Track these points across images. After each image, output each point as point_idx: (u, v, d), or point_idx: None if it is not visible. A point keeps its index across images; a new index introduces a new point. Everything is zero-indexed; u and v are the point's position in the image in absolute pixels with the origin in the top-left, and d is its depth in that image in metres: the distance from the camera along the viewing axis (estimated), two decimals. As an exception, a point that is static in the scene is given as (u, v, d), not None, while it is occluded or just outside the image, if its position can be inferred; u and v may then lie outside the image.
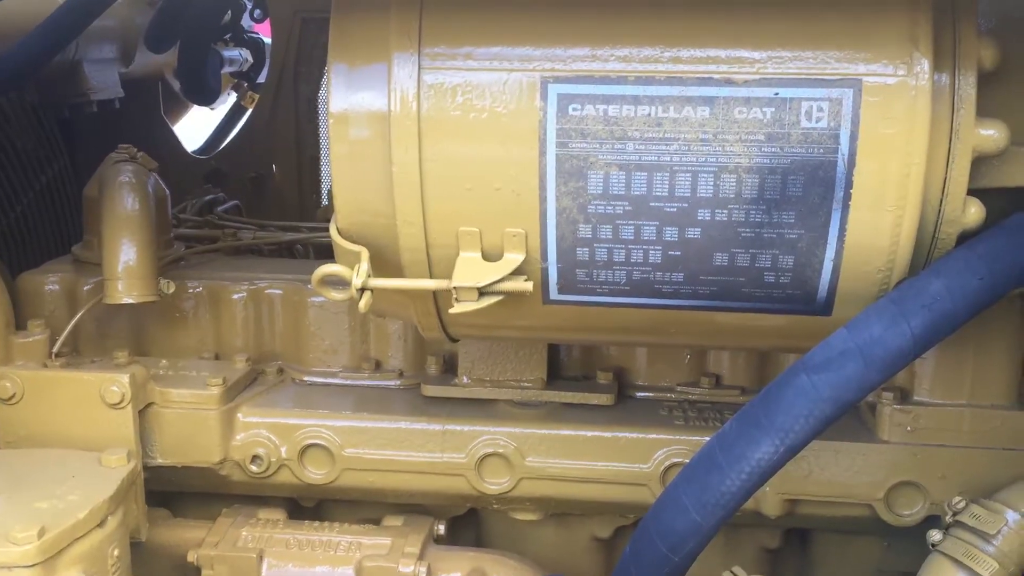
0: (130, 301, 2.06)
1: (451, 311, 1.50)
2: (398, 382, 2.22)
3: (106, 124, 3.43)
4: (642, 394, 2.14)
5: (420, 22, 1.46)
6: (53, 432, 2.00)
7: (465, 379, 2.13)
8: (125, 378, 1.96)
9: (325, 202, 3.74)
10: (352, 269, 1.51)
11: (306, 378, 2.25)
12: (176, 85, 3.80)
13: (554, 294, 1.60)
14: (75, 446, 1.96)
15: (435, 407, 2.11)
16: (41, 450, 1.96)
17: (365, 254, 1.50)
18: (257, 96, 4.01)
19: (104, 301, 2.08)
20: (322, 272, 1.53)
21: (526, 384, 2.10)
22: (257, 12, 3.72)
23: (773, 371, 2.11)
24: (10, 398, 1.99)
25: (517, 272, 1.53)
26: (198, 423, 2.05)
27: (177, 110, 3.92)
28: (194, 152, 3.83)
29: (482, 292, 1.50)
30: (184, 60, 3.36)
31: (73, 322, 2.18)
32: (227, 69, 3.79)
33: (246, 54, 3.96)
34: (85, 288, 2.31)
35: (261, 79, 3.90)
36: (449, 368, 2.19)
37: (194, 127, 4.13)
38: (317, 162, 3.75)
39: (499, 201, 1.51)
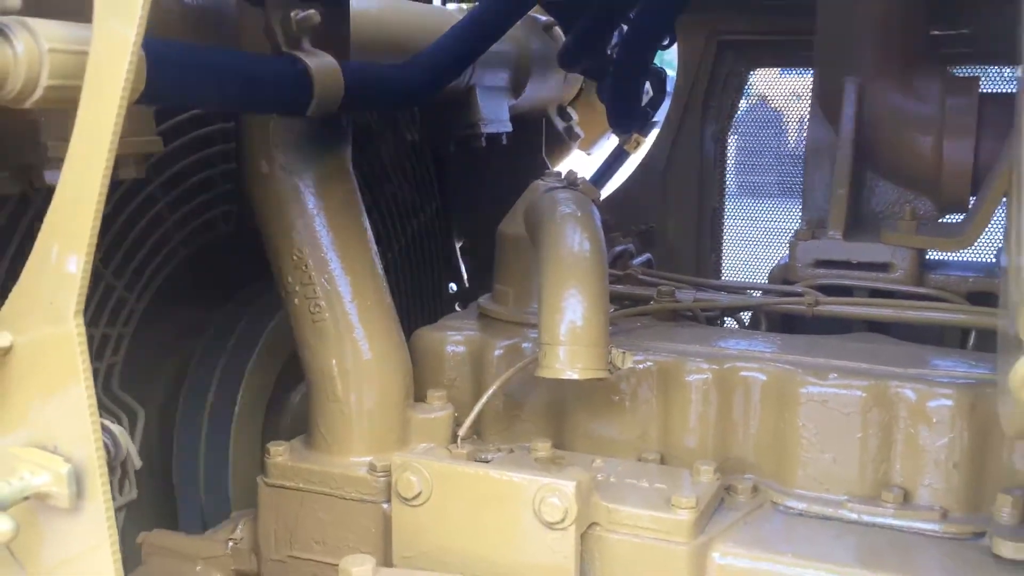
0: (574, 376, 1.49)
1: None
2: (938, 526, 1.49)
3: (479, 163, 2.99)
4: None
5: None
6: (461, 549, 1.46)
7: (1074, 539, 1.35)
8: (570, 488, 1.38)
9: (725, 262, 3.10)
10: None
11: (792, 503, 1.57)
12: (559, 124, 3.33)
13: None
14: (492, 571, 1.43)
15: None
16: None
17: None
18: (642, 140, 3.47)
19: (537, 374, 1.52)
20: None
21: None
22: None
23: None
24: (414, 498, 1.46)
25: None
26: (659, 559, 1.42)
27: (557, 152, 3.47)
28: (568, 201, 3.33)
29: None
30: (619, 80, 2.66)
31: (485, 398, 1.66)
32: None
33: (646, 87, 3.43)
34: (496, 353, 1.80)
35: (656, 117, 3.36)
36: (1032, 515, 1.42)
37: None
38: (720, 215, 3.13)
39: None
